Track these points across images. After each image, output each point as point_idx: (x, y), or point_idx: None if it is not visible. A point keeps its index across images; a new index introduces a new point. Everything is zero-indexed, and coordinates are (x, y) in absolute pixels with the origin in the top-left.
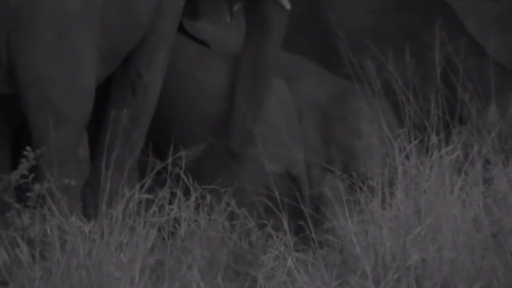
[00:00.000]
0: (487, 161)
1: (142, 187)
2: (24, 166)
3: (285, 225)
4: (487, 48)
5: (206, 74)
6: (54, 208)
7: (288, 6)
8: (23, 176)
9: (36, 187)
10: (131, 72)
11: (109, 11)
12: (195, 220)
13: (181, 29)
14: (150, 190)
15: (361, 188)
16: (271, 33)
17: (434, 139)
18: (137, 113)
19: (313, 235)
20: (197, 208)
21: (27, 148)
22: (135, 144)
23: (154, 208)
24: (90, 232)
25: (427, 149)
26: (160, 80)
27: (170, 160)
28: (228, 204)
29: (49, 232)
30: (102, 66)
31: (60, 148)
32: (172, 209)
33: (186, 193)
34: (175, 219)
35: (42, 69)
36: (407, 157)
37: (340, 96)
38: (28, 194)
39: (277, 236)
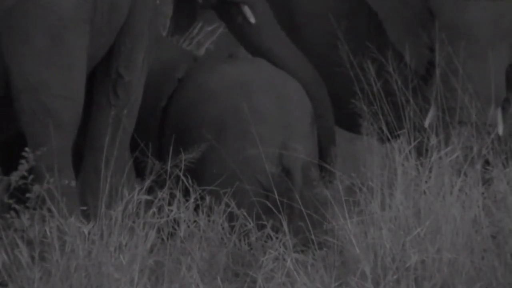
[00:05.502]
0: (486, 162)
1: (141, 188)
2: (23, 167)
3: (285, 226)
4: (405, 55)
5: (205, 76)
6: (53, 209)
7: (252, 19)
8: (23, 177)
9: (36, 188)
10: (111, 73)
11: (98, 18)
12: (195, 221)
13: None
14: (149, 191)
15: (360, 189)
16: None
17: (433, 140)
18: (121, 113)
19: (313, 236)
20: (196, 209)
21: (26, 149)
22: (123, 144)
23: (154, 209)
24: (89, 233)
25: (427, 150)
26: (141, 79)
27: (169, 162)
28: (227, 205)
29: (48, 233)
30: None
31: (57, 152)
32: (171, 210)
33: (186, 194)
34: (175, 220)
35: (35, 75)
36: (407, 158)
37: None
38: (27, 195)
39: (277, 237)
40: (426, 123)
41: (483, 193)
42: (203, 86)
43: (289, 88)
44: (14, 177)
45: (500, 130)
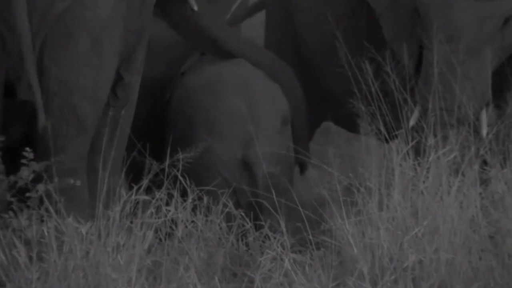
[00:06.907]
0: (484, 162)
1: (139, 188)
2: (25, 168)
3: (282, 226)
4: (398, 53)
5: (190, 75)
6: (51, 209)
7: (195, 7)
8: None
9: (39, 187)
10: None
11: (130, 16)
12: (192, 221)
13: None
14: (147, 191)
15: (358, 189)
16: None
17: (431, 140)
18: (120, 114)
19: (310, 236)
20: (194, 209)
21: (27, 149)
22: (120, 145)
23: (151, 209)
24: (87, 233)
25: (425, 150)
26: (138, 80)
27: (167, 162)
28: (225, 205)
29: (46, 233)
30: None
31: (77, 156)
32: (169, 210)
33: (183, 194)
34: (172, 220)
35: (73, 78)
36: (405, 158)
37: None
38: (27, 194)
39: (274, 237)
40: (411, 124)
41: (480, 193)
42: (185, 85)
43: (263, 88)
44: (17, 177)
45: (484, 132)
